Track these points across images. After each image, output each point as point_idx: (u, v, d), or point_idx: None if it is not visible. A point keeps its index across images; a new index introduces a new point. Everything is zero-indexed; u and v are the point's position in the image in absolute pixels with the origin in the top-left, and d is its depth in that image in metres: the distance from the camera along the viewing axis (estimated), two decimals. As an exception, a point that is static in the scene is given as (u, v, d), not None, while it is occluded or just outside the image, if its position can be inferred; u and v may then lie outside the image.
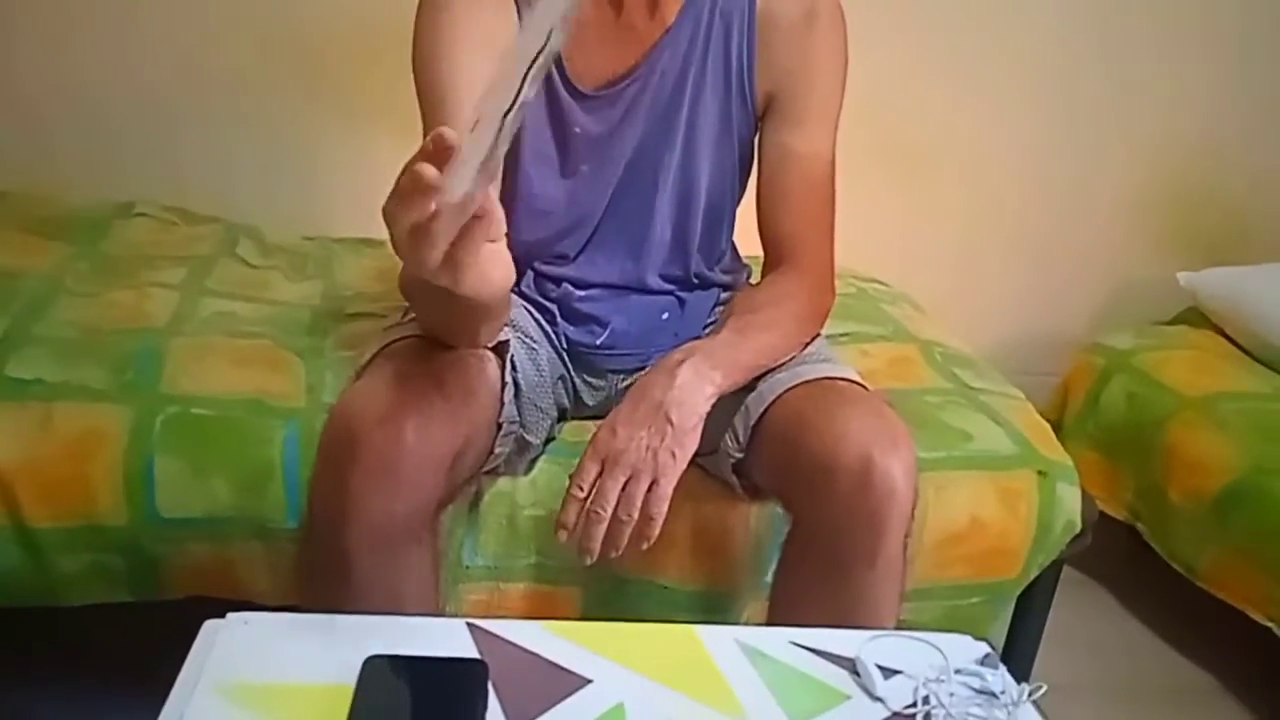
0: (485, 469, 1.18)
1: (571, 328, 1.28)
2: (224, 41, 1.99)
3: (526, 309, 1.27)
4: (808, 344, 1.22)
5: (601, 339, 1.28)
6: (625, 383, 1.31)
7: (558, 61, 1.14)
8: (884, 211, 2.06)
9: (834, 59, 1.21)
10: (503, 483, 1.26)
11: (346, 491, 0.97)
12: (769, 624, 1.13)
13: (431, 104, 1.09)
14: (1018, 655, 1.52)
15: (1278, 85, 2.31)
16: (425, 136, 1.04)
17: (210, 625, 0.86)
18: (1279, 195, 2.38)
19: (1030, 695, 0.88)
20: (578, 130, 1.18)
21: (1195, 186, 2.36)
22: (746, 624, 1.29)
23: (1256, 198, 2.38)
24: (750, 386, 1.15)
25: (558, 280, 1.28)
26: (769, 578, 1.24)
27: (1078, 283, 2.39)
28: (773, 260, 1.23)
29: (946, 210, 2.26)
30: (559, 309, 1.28)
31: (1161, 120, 2.30)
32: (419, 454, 0.98)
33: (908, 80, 2.07)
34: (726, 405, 1.18)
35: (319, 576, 1.03)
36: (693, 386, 1.04)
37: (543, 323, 1.28)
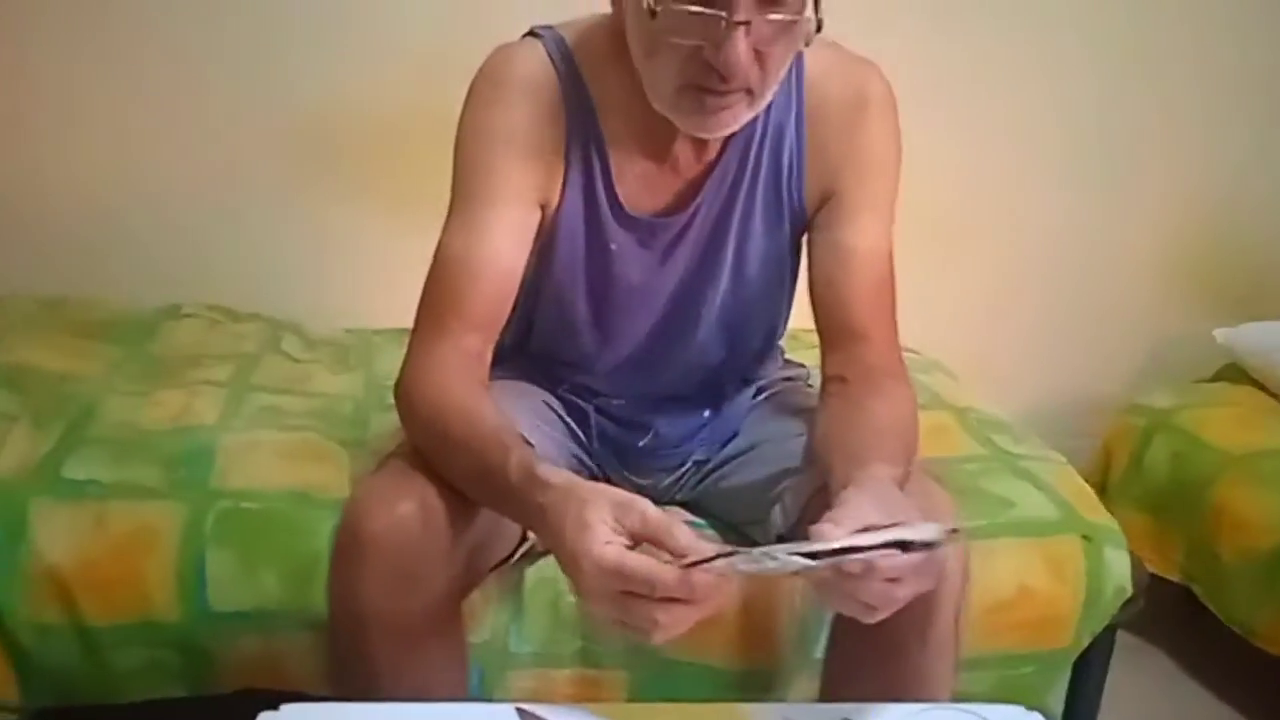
0: (522, 553, 1.19)
1: (611, 426, 1.27)
2: (258, 139, 2.06)
3: (552, 408, 1.26)
4: None
5: (644, 441, 1.27)
6: (667, 480, 1.30)
7: (606, 183, 1.12)
8: (912, 277, 2.04)
9: (888, 147, 1.15)
10: (546, 567, 1.27)
11: (359, 593, 0.98)
12: (821, 702, 1.12)
13: (479, 201, 1.08)
14: (1076, 724, 1.49)
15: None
16: (455, 219, 1.08)
17: (265, 718, 0.87)
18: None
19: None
20: (614, 248, 1.15)
21: (1227, 242, 2.35)
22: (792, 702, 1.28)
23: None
24: (804, 460, 1.15)
25: (591, 390, 1.27)
26: (817, 654, 1.24)
27: (1113, 343, 2.37)
28: (837, 352, 1.15)
29: (976, 274, 2.27)
30: (594, 410, 1.27)
31: (1189, 176, 2.30)
32: (428, 548, 0.99)
33: (933, 142, 2.09)
34: (778, 478, 1.19)
35: (346, 674, 1.03)
36: None
37: (570, 423, 1.27)
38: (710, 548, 0.82)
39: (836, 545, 0.80)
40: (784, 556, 0.78)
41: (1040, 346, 2.33)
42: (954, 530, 0.83)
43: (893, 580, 0.82)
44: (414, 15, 2.01)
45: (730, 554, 0.80)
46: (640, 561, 0.81)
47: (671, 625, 0.81)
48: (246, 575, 1.27)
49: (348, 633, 1.01)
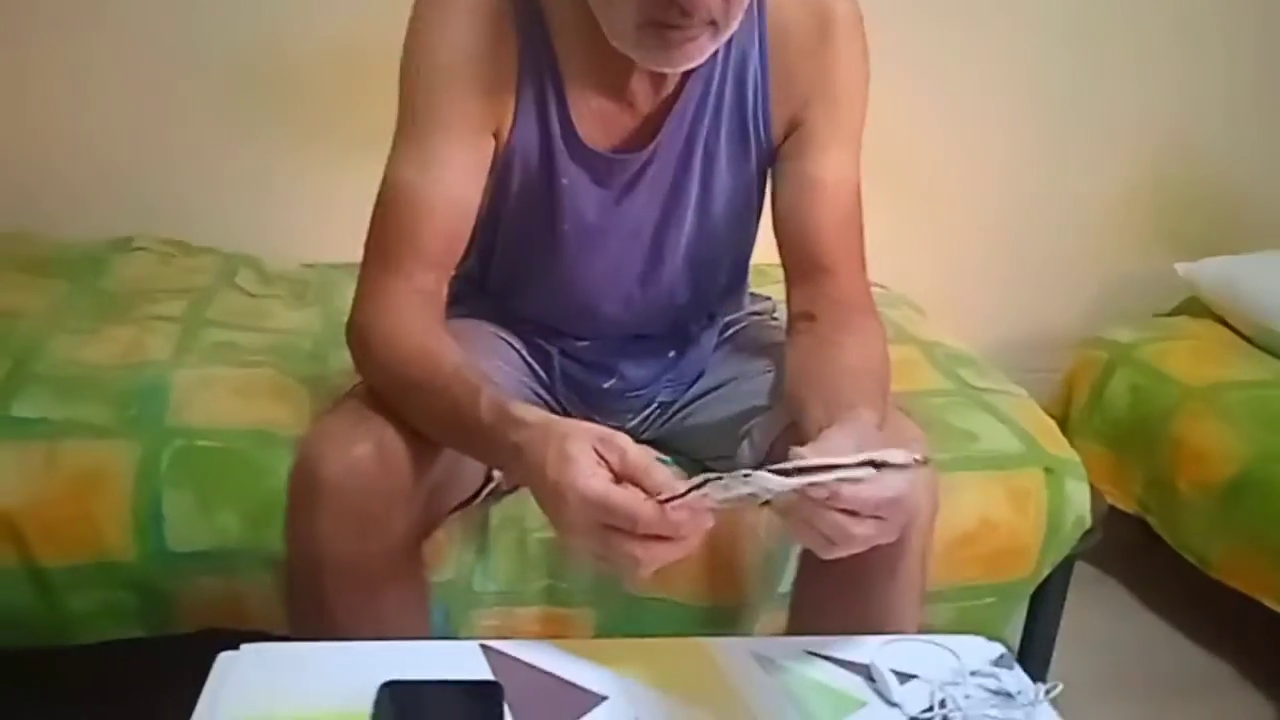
0: (488, 492, 1.17)
1: (575, 368, 1.25)
2: (210, 72, 2.00)
3: (515, 348, 1.24)
4: None
5: (610, 383, 1.25)
6: (633, 420, 1.29)
7: (561, 115, 1.08)
8: (879, 215, 2.05)
9: (856, 71, 1.11)
10: (511, 506, 1.26)
11: (315, 535, 0.97)
12: (788, 636, 1.12)
13: (427, 128, 1.04)
14: (1033, 654, 1.52)
15: (1260, 73, 2.32)
16: (404, 148, 1.04)
17: (225, 658, 0.86)
18: (1269, 181, 2.38)
19: (1047, 694, 0.88)
20: (565, 182, 1.11)
21: (1188, 177, 2.36)
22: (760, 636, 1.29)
23: (1247, 185, 2.38)
24: (771, 397, 1.14)
25: (554, 331, 1.24)
26: (783, 588, 1.24)
27: (1076, 279, 2.38)
28: (804, 287, 1.13)
29: (940, 210, 2.27)
30: (558, 352, 1.24)
31: (1148, 113, 2.30)
32: (385, 490, 0.97)
33: (894, 88, 2.07)
34: (745, 415, 1.18)
35: (304, 616, 1.02)
36: None
37: (533, 364, 1.24)
38: (684, 484, 0.81)
39: (808, 463, 0.79)
40: (756, 474, 0.78)
41: (1004, 281, 2.34)
42: (923, 460, 0.82)
43: (852, 514, 0.81)
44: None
45: (703, 484, 0.80)
46: (624, 496, 0.80)
47: (651, 562, 0.81)
48: (204, 514, 1.25)
49: (306, 576, 0.99)
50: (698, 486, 0.80)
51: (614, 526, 0.80)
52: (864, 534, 0.82)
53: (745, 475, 0.78)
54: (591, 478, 0.82)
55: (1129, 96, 2.28)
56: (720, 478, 0.79)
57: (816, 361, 1.06)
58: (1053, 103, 2.26)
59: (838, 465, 0.79)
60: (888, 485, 0.81)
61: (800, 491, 0.80)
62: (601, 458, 0.84)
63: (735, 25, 0.99)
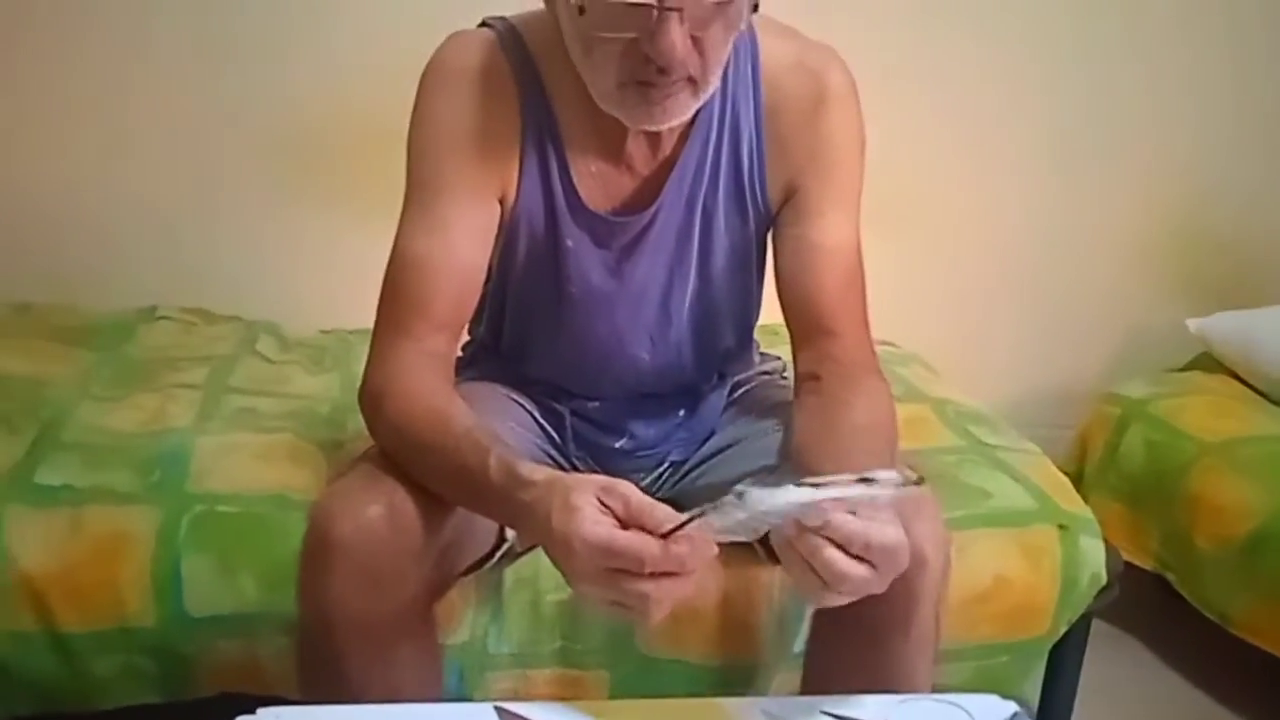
0: (502, 553, 1.18)
1: (587, 429, 1.26)
2: (233, 142, 2.05)
3: (528, 410, 1.25)
4: None
5: (621, 443, 1.26)
6: (645, 480, 1.29)
7: (563, 178, 1.11)
8: (886, 270, 2.04)
9: (849, 139, 1.13)
10: (525, 567, 1.27)
11: (327, 595, 0.98)
12: (802, 695, 1.12)
13: (434, 195, 1.07)
14: (1053, 713, 1.50)
15: (1274, 123, 2.33)
16: (412, 216, 1.07)
17: (241, 722, 0.87)
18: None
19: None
20: (570, 244, 1.12)
21: (1200, 231, 2.36)
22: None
23: (1262, 240, 2.38)
24: (779, 456, 1.15)
25: (566, 392, 1.25)
26: (797, 648, 1.24)
27: (1088, 333, 2.38)
28: (809, 349, 1.14)
29: (950, 267, 2.27)
30: (570, 413, 1.25)
31: (1162, 166, 2.31)
32: (397, 551, 0.98)
33: (903, 135, 2.09)
34: (754, 474, 1.17)
35: (316, 678, 1.03)
36: None
37: (545, 425, 1.26)
38: (684, 515, 0.83)
39: (800, 481, 0.81)
40: (750, 491, 0.80)
41: (1016, 339, 2.35)
42: (917, 479, 0.83)
43: (846, 551, 0.83)
44: (389, 18, 2.00)
45: (701, 513, 0.82)
46: (628, 537, 0.82)
47: (662, 599, 0.82)
48: (223, 579, 1.26)
49: (318, 637, 1.00)
50: (697, 515, 0.82)
51: (622, 570, 0.82)
52: (855, 574, 0.83)
53: (739, 493, 0.80)
54: (596, 525, 0.84)
55: (1141, 149, 2.29)
56: (718, 503, 0.81)
57: (821, 423, 1.07)
58: (1063, 157, 2.27)
59: (829, 483, 0.80)
60: (879, 529, 0.83)
61: (795, 519, 0.81)
62: (605, 506, 0.86)
63: (715, 82, 1.02)
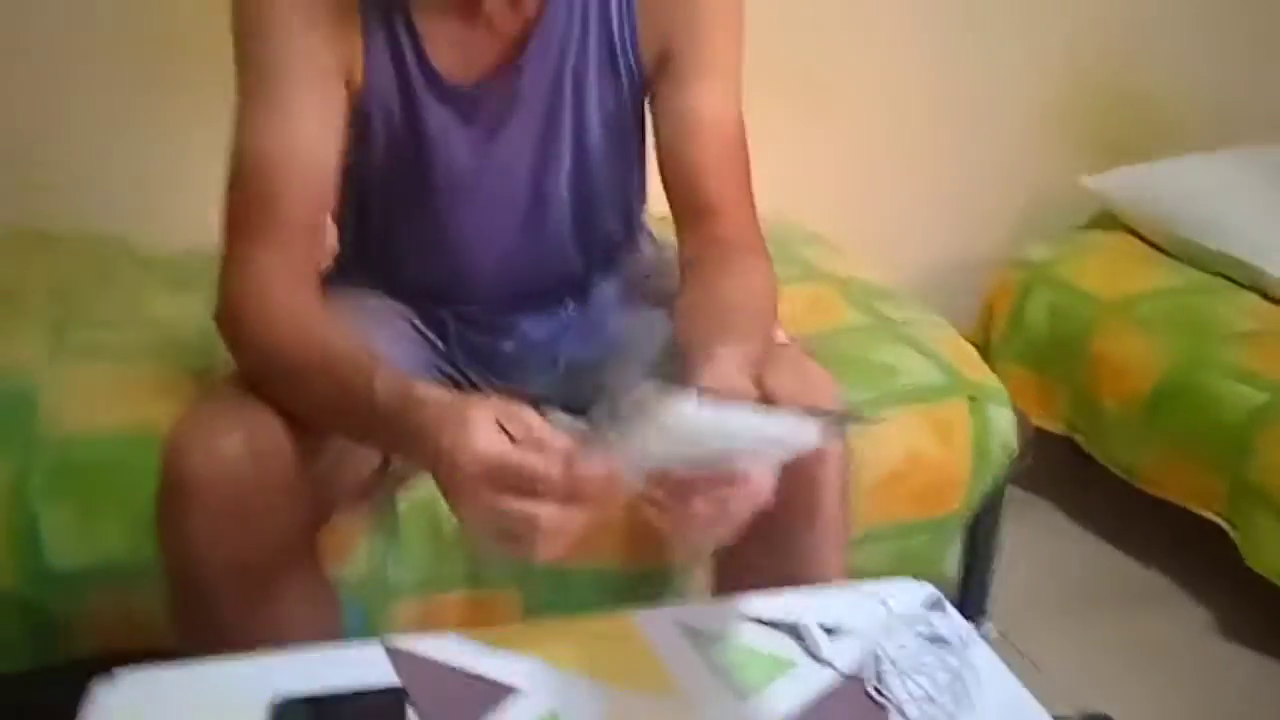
0: (387, 476, 1.10)
1: (472, 333, 1.17)
2: (75, 42, 1.85)
3: (406, 319, 1.16)
4: None
5: (510, 345, 1.18)
6: (541, 384, 1.21)
7: (415, 50, 1.01)
8: (785, 146, 1.98)
9: (725, 2, 1.06)
10: (422, 489, 1.19)
11: (190, 538, 0.89)
12: (715, 596, 1.08)
13: (272, 81, 0.96)
14: (972, 586, 1.50)
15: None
16: (249, 108, 0.96)
17: (99, 689, 0.79)
18: (1179, 87, 2.36)
19: (981, 634, 0.84)
20: (433, 124, 1.03)
21: (1097, 87, 2.33)
22: (690, 600, 1.25)
23: (1158, 94, 2.37)
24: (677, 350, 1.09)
25: (445, 295, 1.16)
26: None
27: (989, 198, 2.35)
28: (691, 230, 1.08)
29: (844, 136, 2.20)
30: (452, 317, 1.16)
31: (1056, 22, 2.26)
32: (260, 483, 0.89)
33: (796, 5, 2.02)
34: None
35: (193, 627, 0.95)
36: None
37: (428, 333, 1.17)
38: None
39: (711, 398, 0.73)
40: (667, 401, 0.71)
41: (919, 210, 2.30)
42: (837, 418, 0.78)
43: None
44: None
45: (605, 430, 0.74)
46: (522, 453, 0.74)
47: (554, 530, 0.74)
48: (87, 528, 1.17)
49: (187, 584, 0.92)
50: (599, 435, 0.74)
51: (513, 488, 0.74)
52: (704, 513, 0.78)
53: (650, 400, 0.72)
54: (489, 440, 0.75)
55: (1038, 7, 2.23)
56: (623, 416, 0.73)
57: (693, 310, 1.00)
58: (955, 13, 2.20)
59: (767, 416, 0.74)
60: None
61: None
62: (502, 428, 0.77)
63: None
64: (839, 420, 0.79)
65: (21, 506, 1.16)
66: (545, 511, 0.73)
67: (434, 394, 0.84)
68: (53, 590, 1.17)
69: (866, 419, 0.94)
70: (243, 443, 0.89)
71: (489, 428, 0.76)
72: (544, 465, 0.73)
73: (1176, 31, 2.34)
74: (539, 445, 0.76)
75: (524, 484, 0.73)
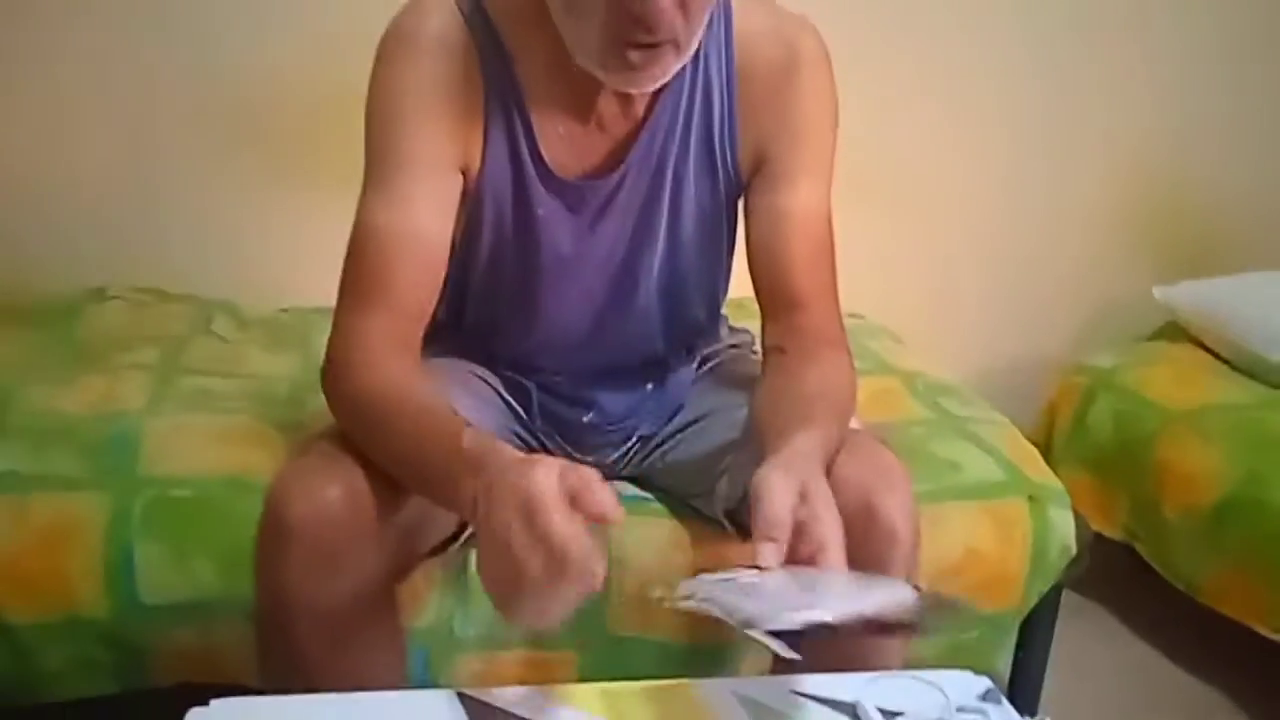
0: (467, 534, 1.15)
1: (553, 403, 1.23)
2: (185, 114, 1.98)
3: (492, 385, 1.22)
4: None
5: (588, 417, 1.24)
6: (613, 455, 1.27)
7: (529, 144, 1.08)
8: (856, 242, 2.04)
9: (821, 108, 1.12)
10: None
11: (284, 579, 0.95)
12: (773, 675, 1.10)
13: (395, 168, 1.04)
14: (1024, 685, 1.50)
15: (1240, 96, 2.33)
16: (372, 190, 1.04)
17: (194, 714, 0.83)
18: (1248, 205, 2.39)
19: (1036, 729, 0.86)
20: (541, 213, 1.10)
21: (1167, 200, 2.36)
22: (747, 676, 1.27)
23: (1227, 208, 2.39)
24: (745, 432, 1.13)
25: (531, 366, 1.23)
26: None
27: (1056, 304, 2.38)
28: (776, 321, 1.14)
29: (918, 238, 2.26)
30: (535, 387, 1.23)
31: (1129, 136, 2.31)
32: (355, 533, 0.95)
33: (875, 107, 2.08)
34: (722, 450, 1.17)
35: (275, 667, 1.00)
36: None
37: (511, 400, 1.23)
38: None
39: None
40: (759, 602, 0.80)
41: (985, 310, 2.34)
42: (924, 597, 0.83)
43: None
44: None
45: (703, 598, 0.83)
46: (560, 502, 0.77)
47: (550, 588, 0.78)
48: (178, 565, 1.23)
49: (276, 623, 0.97)
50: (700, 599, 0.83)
51: (536, 513, 0.77)
52: None
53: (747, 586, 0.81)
54: (544, 474, 0.78)
55: (1113, 120, 2.28)
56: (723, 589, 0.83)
57: (775, 396, 1.06)
58: (1035, 125, 2.26)
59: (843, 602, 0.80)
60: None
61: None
62: (563, 476, 0.80)
63: (695, 44, 1.00)
64: (933, 603, 0.84)
65: (118, 542, 1.23)
66: (537, 562, 0.77)
67: (515, 450, 0.89)
68: (141, 623, 1.23)
69: (958, 605, 1.00)
70: (341, 493, 0.95)
71: (551, 469, 0.80)
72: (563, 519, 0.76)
73: (1246, 149, 2.37)
74: (586, 490, 0.79)
75: (538, 523, 0.76)
